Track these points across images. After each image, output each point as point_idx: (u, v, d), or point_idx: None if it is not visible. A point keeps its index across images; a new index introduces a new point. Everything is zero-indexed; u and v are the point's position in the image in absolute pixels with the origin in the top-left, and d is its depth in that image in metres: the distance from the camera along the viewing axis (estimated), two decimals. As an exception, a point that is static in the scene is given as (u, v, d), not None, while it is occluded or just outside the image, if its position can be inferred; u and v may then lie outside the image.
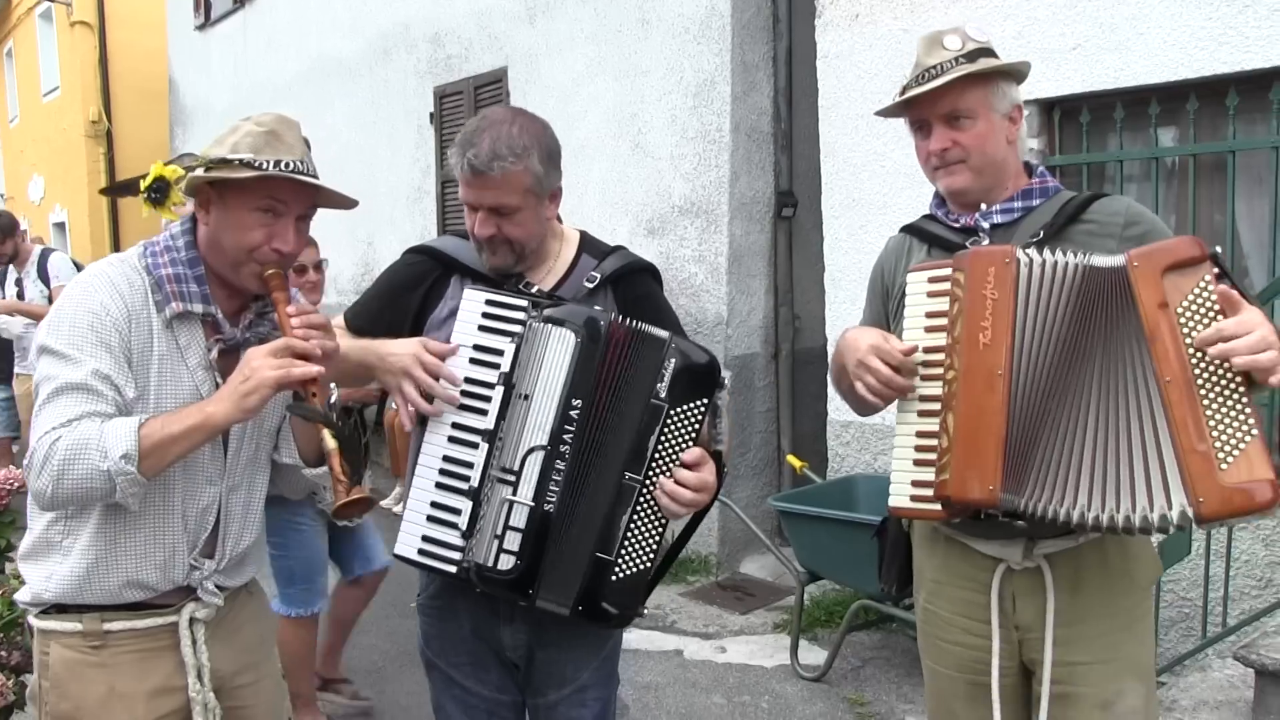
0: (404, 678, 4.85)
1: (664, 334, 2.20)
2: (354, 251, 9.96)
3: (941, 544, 2.36)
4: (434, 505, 2.23)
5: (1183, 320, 1.94)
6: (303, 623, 4.06)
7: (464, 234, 2.39)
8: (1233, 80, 4.19)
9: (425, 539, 2.23)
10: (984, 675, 2.27)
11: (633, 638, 5.31)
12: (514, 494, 2.17)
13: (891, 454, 2.21)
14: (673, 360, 2.17)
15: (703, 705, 4.60)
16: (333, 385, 2.12)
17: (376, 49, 9.54)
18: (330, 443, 2.02)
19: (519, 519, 2.17)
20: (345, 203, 2.23)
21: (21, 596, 2.15)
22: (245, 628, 2.31)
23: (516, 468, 2.18)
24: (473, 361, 2.21)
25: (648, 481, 2.17)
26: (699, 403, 2.19)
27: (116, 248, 15.87)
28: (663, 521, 2.21)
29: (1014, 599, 2.24)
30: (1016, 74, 2.30)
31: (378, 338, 2.36)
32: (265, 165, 2.04)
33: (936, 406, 2.12)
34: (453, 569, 2.21)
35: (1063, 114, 4.87)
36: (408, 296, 2.41)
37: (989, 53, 2.26)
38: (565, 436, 2.17)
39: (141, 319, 2.06)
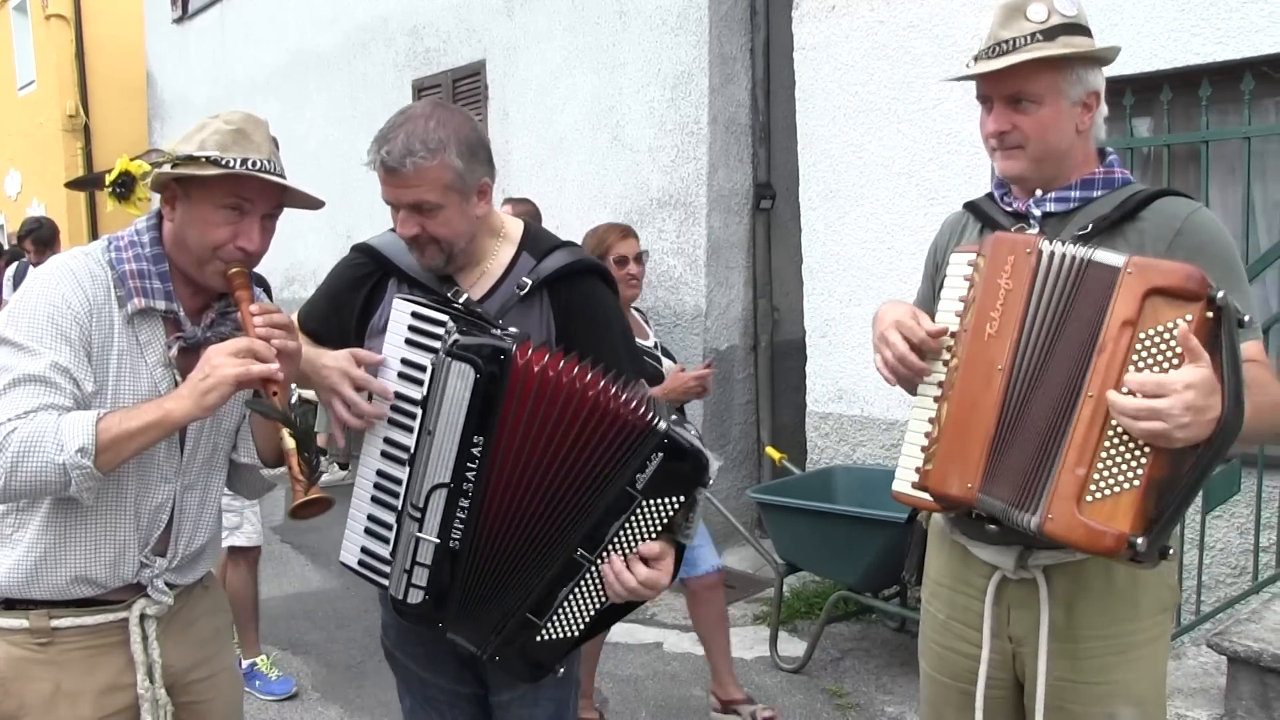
0: (384, 673, 4.83)
1: (663, 426, 2.04)
2: (333, 245, 9.90)
3: (947, 545, 2.29)
4: (369, 519, 2.20)
5: (1139, 348, 1.82)
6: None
7: None
8: (1205, 71, 4.21)
9: (364, 550, 2.21)
10: (974, 684, 2.21)
11: (612, 631, 5.30)
12: (420, 530, 2.11)
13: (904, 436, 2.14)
14: (659, 455, 2.03)
15: (682, 698, 4.61)
16: (294, 385, 2.11)
17: (355, 42, 9.49)
18: (289, 442, 2.01)
19: (425, 555, 2.11)
20: (312, 203, 2.21)
21: None
22: (199, 621, 2.29)
23: (422, 504, 2.11)
24: (401, 377, 2.14)
25: (599, 561, 2.09)
26: (676, 499, 2.08)
27: (95, 243, 15.75)
28: (603, 600, 2.13)
29: (1009, 610, 2.17)
30: (1100, 59, 2.11)
31: (329, 338, 2.34)
32: (232, 163, 2.02)
33: (946, 379, 2.04)
34: (385, 581, 2.19)
35: (1038, 105, 4.88)
36: (351, 298, 2.37)
37: (1076, 29, 2.07)
38: (468, 474, 2.06)
39: (103, 313, 2.04)
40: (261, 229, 2.12)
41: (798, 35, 5.72)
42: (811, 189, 5.72)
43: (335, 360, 2.17)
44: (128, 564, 2.11)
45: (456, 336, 2.07)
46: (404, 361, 2.14)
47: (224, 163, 2.02)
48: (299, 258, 10.25)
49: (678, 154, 6.35)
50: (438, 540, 2.10)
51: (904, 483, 2.11)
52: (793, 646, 4.99)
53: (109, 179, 2.16)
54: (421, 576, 2.12)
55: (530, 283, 2.25)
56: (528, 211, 4.67)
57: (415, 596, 2.13)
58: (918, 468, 2.07)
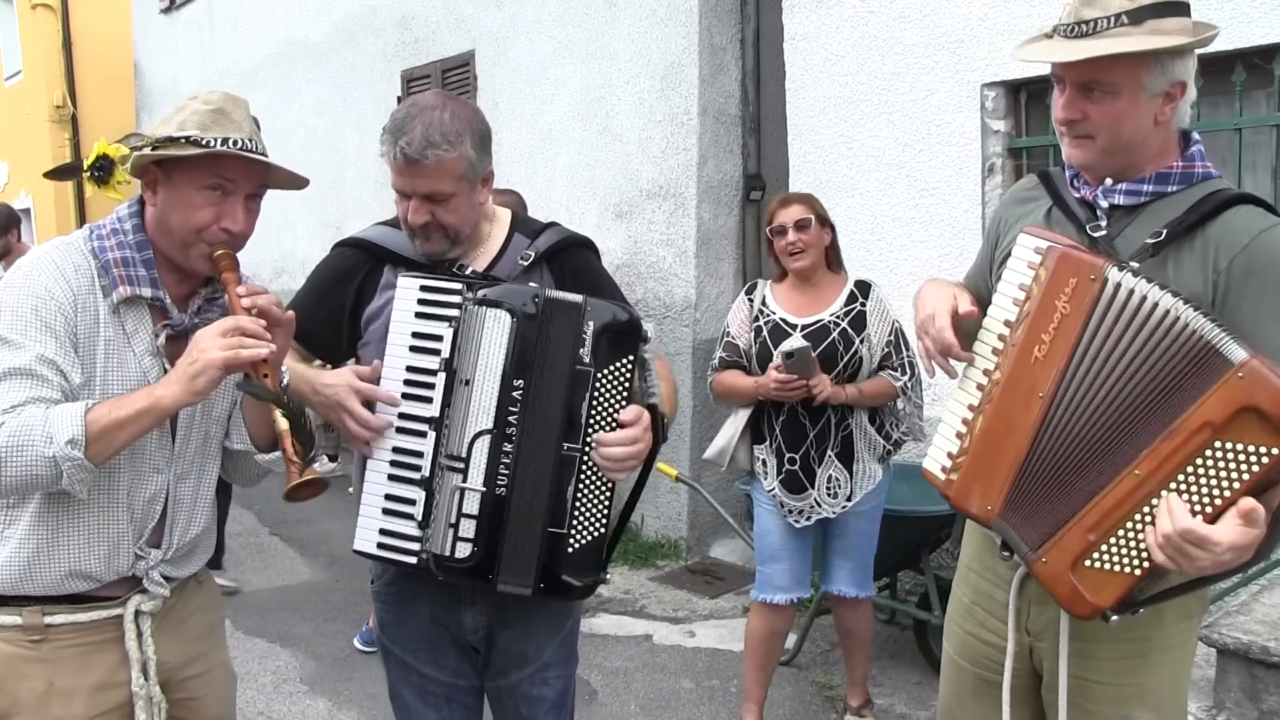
0: (372, 666, 4.83)
1: (577, 298, 2.15)
2: (322, 236, 9.88)
3: (979, 531, 2.25)
4: (388, 498, 2.19)
5: (1209, 453, 1.72)
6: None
7: (392, 223, 2.36)
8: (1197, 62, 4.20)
9: (383, 532, 2.20)
10: (992, 672, 2.20)
11: (601, 623, 5.30)
12: (464, 481, 2.15)
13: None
14: (591, 323, 2.13)
15: (671, 690, 4.60)
16: (284, 368, 2.08)
17: (343, 32, 9.45)
18: (282, 424, 1.97)
19: (472, 506, 2.14)
20: (296, 181, 2.18)
21: None
22: (193, 618, 2.27)
23: (464, 454, 2.15)
24: (413, 349, 2.18)
25: (587, 448, 2.15)
26: (625, 360, 2.16)
27: (83, 234, 15.68)
28: (609, 485, 2.20)
29: (1030, 604, 2.13)
30: (1191, 49, 1.91)
31: (318, 336, 2.34)
32: (212, 143, 1.99)
33: (988, 384, 1.98)
34: (413, 560, 2.18)
35: (1029, 96, 4.87)
36: (341, 290, 2.37)
37: (1169, 7, 1.87)
38: (510, 418, 2.13)
39: (87, 304, 2.01)
40: (245, 209, 2.09)
41: (788, 25, 5.70)
42: (802, 180, 5.70)
43: (338, 378, 2.18)
44: (122, 556, 2.08)
45: (483, 291, 2.15)
46: (416, 335, 2.18)
47: (204, 142, 1.99)
48: (288, 249, 10.22)
49: (667, 145, 6.33)
50: (484, 489, 2.14)
51: (934, 463, 2.07)
52: (782, 639, 4.98)
53: (87, 163, 2.13)
54: (469, 528, 2.14)
55: (533, 255, 2.34)
56: (513, 203, 4.64)
57: (464, 550, 2.15)
58: (949, 461, 2.04)
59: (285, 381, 2.04)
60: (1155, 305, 1.80)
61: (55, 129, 16.15)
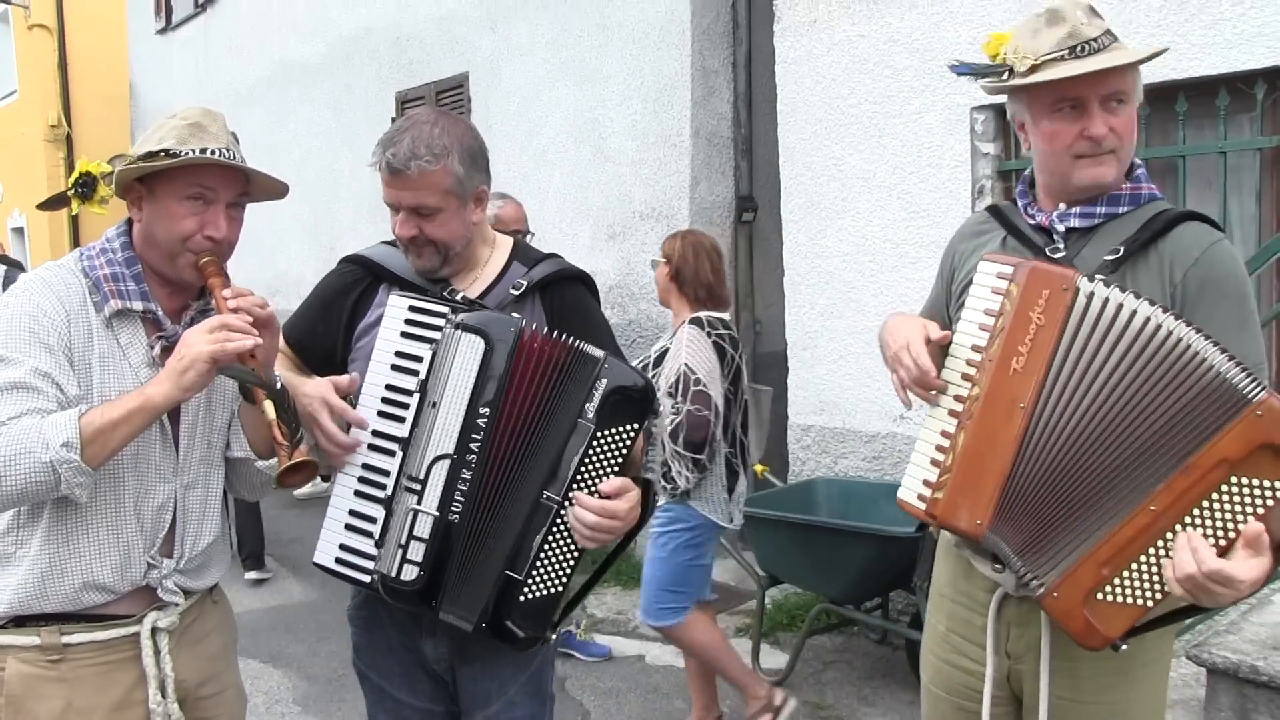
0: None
1: (599, 353, 2.14)
2: (316, 256, 9.90)
3: (951, 557, 2.26)
4: (351, 514, 2.20)
5: (1224, 489, 1.75)
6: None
7: (395, 244, 2.38)
8: (1181, 86, 4.25)
9: (342, 547, 2.21)
10: (970, 700, 2.19)
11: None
12: (419, 503, 2.14)
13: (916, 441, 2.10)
14: (604, 380, 2.11)
15: (664, 711, 4.61)
16: (277, 372, 2.11)
17: (338, 54, 9.50)
18: (270, 412, 1.99)
19: (423, 529, 2.13)
20: (276, 189, 2.23)
21: None
22: (210, 636, 2.29)
23: (422, 476, 2.14)
24: (395, 369, 2.19)
25: (567, 503, 2.11)
26: (629, 427, 2.13)
27: (77, 253, 15.68)
28: (579, 547, 2.15)
29: (1009, 626, 2.13)
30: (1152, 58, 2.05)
31: (314, 348, 2.37)
32: (189, 153, 2.05)
33: (962, 409, 2.00)
34: (366, 579, 2.19)
35: (1017, 119, 4.91)
36: (339, 304, 2.40)
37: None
38: (472, 445, 2.12)
39: (80, 319, 2.06)
40: (228, 217, 2.14)
41: (779, 49, 5.75)
42: (793, 202, 5.74)
43: (315, 389, 2.18)
44: (134, 566, 2.10)
45: (463, 316, 2.16)
46: (399, 354, 2.19)
47: (182, 153, 2.04)
48: (281, 269, 10.23)
49: (660, 166, 6.37)
50: (437, 513, 2.12)
51: (910, 492, 2.07)
52: (775, 659, 5.00)
53: (70, 181, 2.18)
54: (417, 551, 2.13)
55: (525, 284, 2.33)
56: (514, 213, 4.67)
57: (410, 573, 2.13)
58: (926, 489, 2.03)
59: (279, 384, 2.07)
60: (1134, 312, 1.84)
61: (50, 149, 16.17)
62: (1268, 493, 1.74)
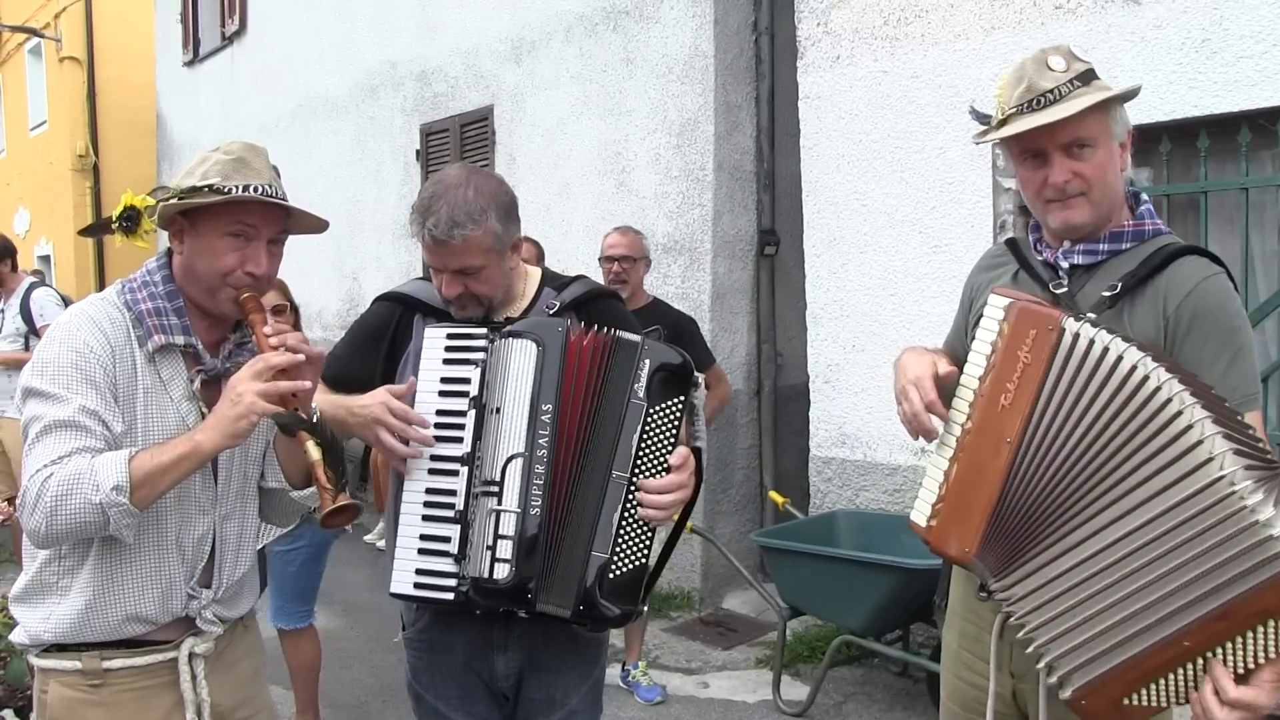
0: (386, 713, 4.84)
1: (636, 337, 2.27)
2: (339, 287, 10.00)
3: (964, 576, 2.33)
4: (423, 538, 2.27)
5: (1257, 631, 1.75)
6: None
7: (429, 278, 2.45)
8: (1203, 123, 4.29)
9: (419, 571, 2.27)
10: (981, 716, 2.24)
11: (615, 674, 5.31)
12: (499, 503, 2.22)
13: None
14: (647, 361, 2.24)
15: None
16: (314, 405, 2.16)
17: (363, 87, 9.62)
18: (314, 453, 2.03)
19: (508, 527, 2.21)
20: (316, 224, 2.27)
21: (18, 637, 2.15)
22: (242, 661, 2.33)
23: (498, 478, 2.23)
24: (442, 394, 2.28)
25: (635, 478, 2.22)
26: (676, 400, 2.25)
27: (101, 281, 15.88)
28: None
29: (1011, 646, 2.16)
30: (1128, 98, 2.14)
31: (350, 385, 2.41)
32: (233, 190, 2.08)
33: (962, 435, 2.05)
34: (450, 595, 2.25)
35: (1039, 155, 4.95)
36: (376, 343, 2.49)
37: (1094, 73, 2.10)
38: (541, 441, 2.22)
39: (124, 354, 2.09)
40: (268, 253, 2.18)
41: (802, 85, 5.81)
42: (815, 236, 5.79)
43: (372, 397, 2.28)
44: (176, 598, 2.15)
45: (510, 326, 2.29)
46: (444, 380, 2.29)
47: (225, 190, 2.08)
48: (304, 299, 10.26)
49: (683, 200, 6.43)
50: (518, 509, 2.21)
51: (920, 515, 2.13)
52: (796, 690, 4.99)
53: (114, 214, 2.22)
54: (506, 549, 2.21)
55: (559, 304, 2.44)
56: (530, 252, 4.73)
57: (502, 571, 2.21)
58: (927, 516, 2.09)
59: (316, 416, 2.11)
60: (1120, 357, 1.85)
61: (77, 178, 16.40)
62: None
